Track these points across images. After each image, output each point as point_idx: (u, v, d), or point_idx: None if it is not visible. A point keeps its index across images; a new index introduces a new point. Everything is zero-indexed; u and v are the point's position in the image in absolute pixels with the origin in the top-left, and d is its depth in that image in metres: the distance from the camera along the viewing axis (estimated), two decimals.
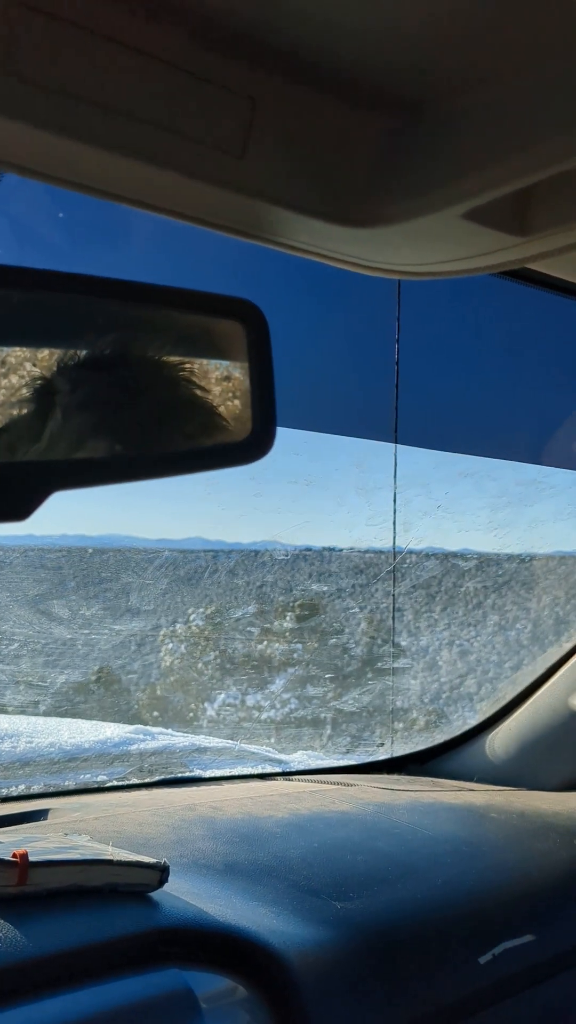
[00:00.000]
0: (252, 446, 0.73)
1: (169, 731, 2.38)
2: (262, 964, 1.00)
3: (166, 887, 1.05)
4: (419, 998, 1.11)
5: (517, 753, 1.85)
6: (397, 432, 2.16)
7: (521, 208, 0.66)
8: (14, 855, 0.98)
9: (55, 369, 0.69)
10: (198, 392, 0.75)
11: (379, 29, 0.57)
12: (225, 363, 0.76)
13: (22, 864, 0.97)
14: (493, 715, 1.93)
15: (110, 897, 1.01)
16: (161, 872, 1.04)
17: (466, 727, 1.96)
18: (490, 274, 0.80)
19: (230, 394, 0.75)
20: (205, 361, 0.76)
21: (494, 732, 1.90)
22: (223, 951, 0.99)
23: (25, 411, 0.66)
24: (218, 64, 0.57)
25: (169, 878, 1.05)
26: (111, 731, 2.24)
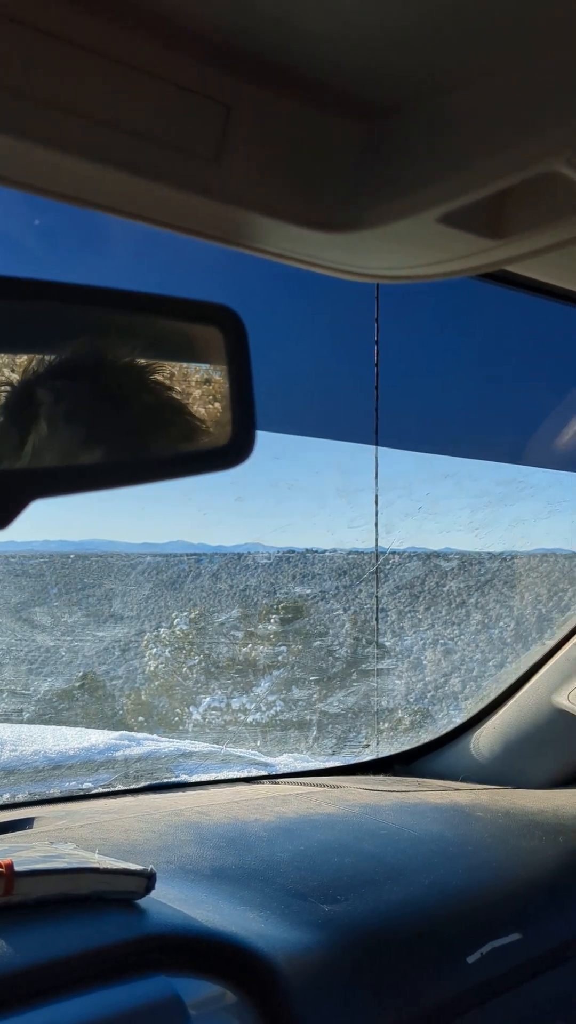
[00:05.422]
0: (232, 451, 0.73)
1: (154, 737, 2.38)
2: (250, 969, 1.00)
3: (153, 893, 1.04)
4: (408, 999, 1.11)
5: (502, 752, 1.85)
6: (378, 434, 2.17)
7: (496, 211, 0.67)
8: None
9: (33, 376, 0.68)
10: (177, 398, 0.75)
11: (352, 36, 0.58)
12: (204, 368, 0.76)
13: (8, 874, 0.96)
14: (477, 714, 1.93)
15: (97, 905, 1.00)
16: (147, 879, 1.04)
17: (451, 726, 1.96)
18: (467, 276, 0.81)
19: (210, 399, 0.75)
20: (184, 367, 0.76)
21: (479, 731, 1.90)
22: (211, 957, 0.99)
23: (3, 419, 0.66)
24: (193, 71, 0.57)
25: (156, 884, 1.05)
26: (96, 738, 2.23)
